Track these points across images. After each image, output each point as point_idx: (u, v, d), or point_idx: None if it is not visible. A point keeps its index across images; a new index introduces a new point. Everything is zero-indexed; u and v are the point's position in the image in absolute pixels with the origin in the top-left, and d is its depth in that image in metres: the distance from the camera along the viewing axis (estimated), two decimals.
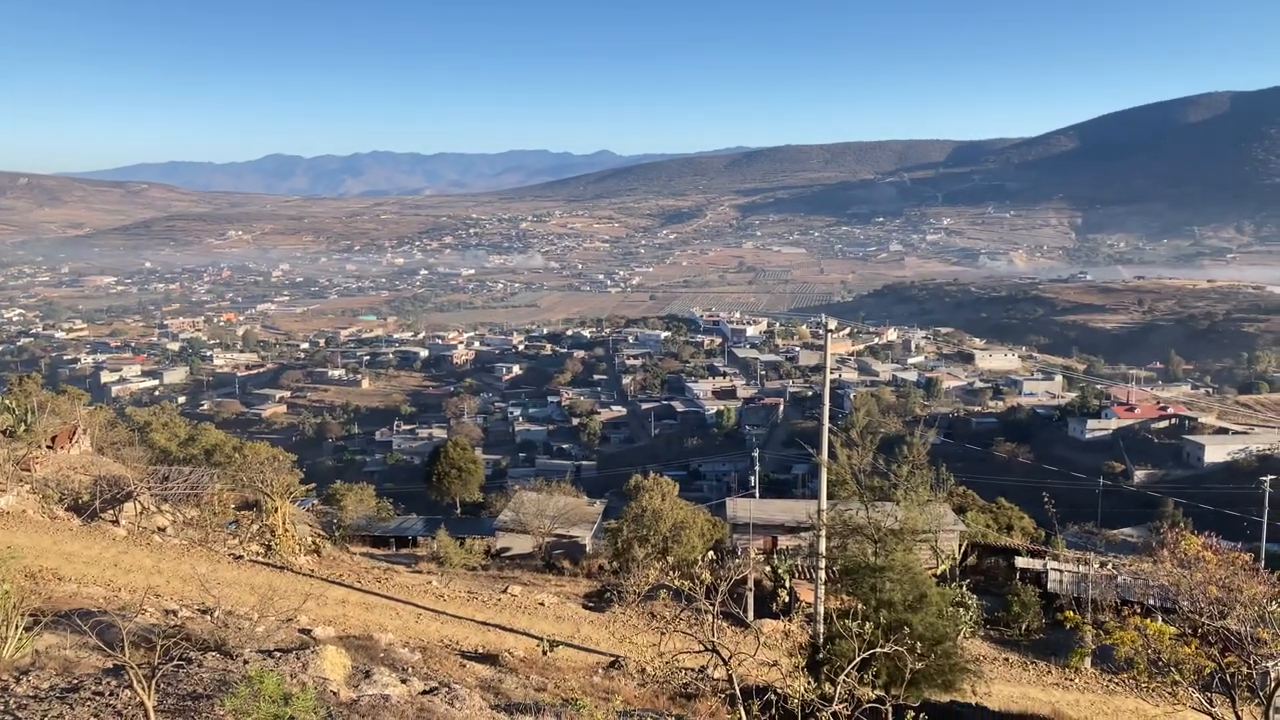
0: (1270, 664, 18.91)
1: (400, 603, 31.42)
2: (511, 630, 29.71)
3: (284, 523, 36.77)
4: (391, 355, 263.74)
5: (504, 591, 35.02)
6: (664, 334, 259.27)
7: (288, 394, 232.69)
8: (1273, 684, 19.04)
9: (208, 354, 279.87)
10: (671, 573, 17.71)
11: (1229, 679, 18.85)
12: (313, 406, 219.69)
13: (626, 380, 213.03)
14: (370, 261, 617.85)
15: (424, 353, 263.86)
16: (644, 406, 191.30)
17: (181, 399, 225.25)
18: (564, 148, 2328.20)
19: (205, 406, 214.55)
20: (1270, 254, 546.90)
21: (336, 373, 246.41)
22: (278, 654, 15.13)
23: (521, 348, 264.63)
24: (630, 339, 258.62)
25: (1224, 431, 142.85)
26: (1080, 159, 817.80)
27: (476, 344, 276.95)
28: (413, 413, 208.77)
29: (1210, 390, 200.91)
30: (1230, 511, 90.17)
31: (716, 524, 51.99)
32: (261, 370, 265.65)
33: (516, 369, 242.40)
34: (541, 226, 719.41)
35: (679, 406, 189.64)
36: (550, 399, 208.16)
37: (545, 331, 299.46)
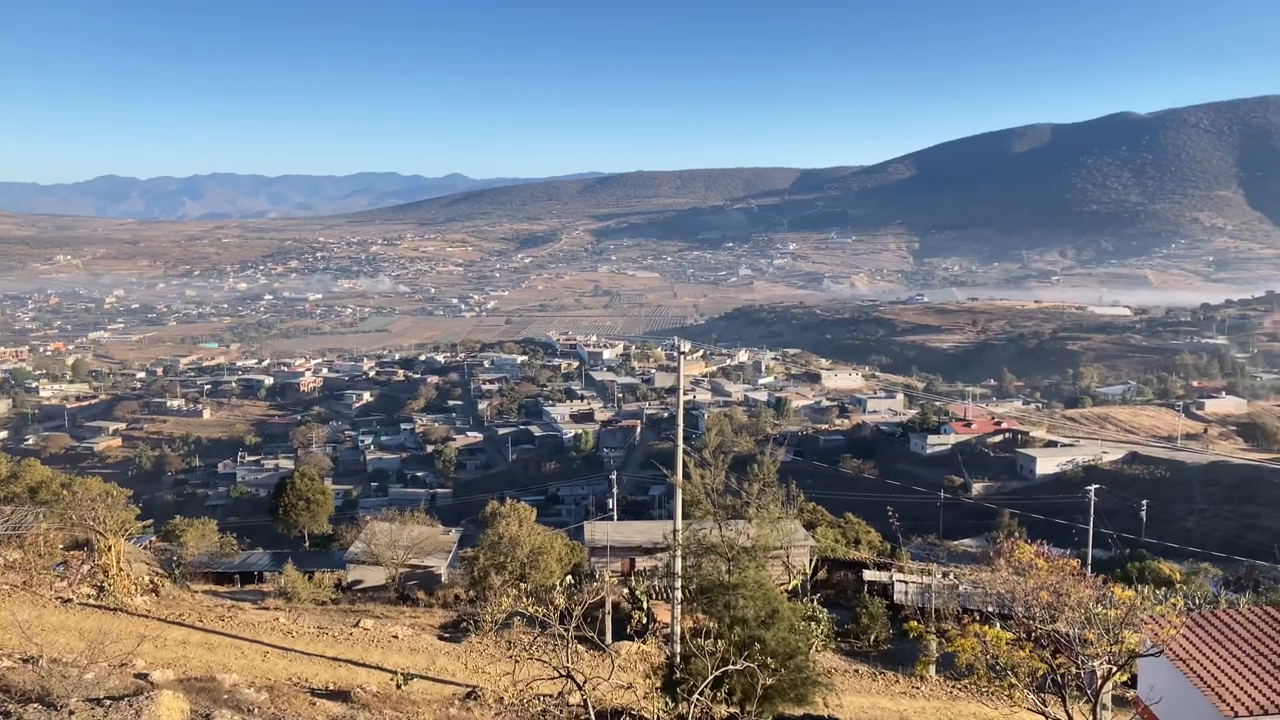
0: (1097, 663, 20.05)
1: (246, 641, 30.13)
2: (364, 665, 28.85)
3: (118, 562, 34.80)
4: (235, 384, 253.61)
5: (356, 625, 34.00)
6: (520, 358, 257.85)
7: (123, 426, 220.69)
8: (1099, 682, 20.19)
9: (33, 385, 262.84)
10: (526, 599, 17.55)
11: (1060, 679, 19.90)
12: (150, 439, 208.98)
13: (483, 405, 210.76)
14: (211, 287, 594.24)
15: (269, 380, 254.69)
16: (501, 431, 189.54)
17: (2, 434, 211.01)
18: (415, 170, 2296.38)
19: (30, 441, 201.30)
20: (1090, 276, 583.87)
21: (176, 403, 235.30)
22: (108, 702, 14.29)
23: (373, 374, 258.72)
24: (486, 363, 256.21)
25: (1053, 444, 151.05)
26: (917, 187, 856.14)
27: (325, 371, 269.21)
28: (258, 443, 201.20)
29: (1040, 405, 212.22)
30: (1059, 520, 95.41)
31: (575, 548, 51.80)
32: (94, 401, 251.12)
33: (367, 396, 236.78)
34: (392, 250, 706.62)
35: (537, 431, 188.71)
36: (403, 426, 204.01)
37: (397, 357, 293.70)
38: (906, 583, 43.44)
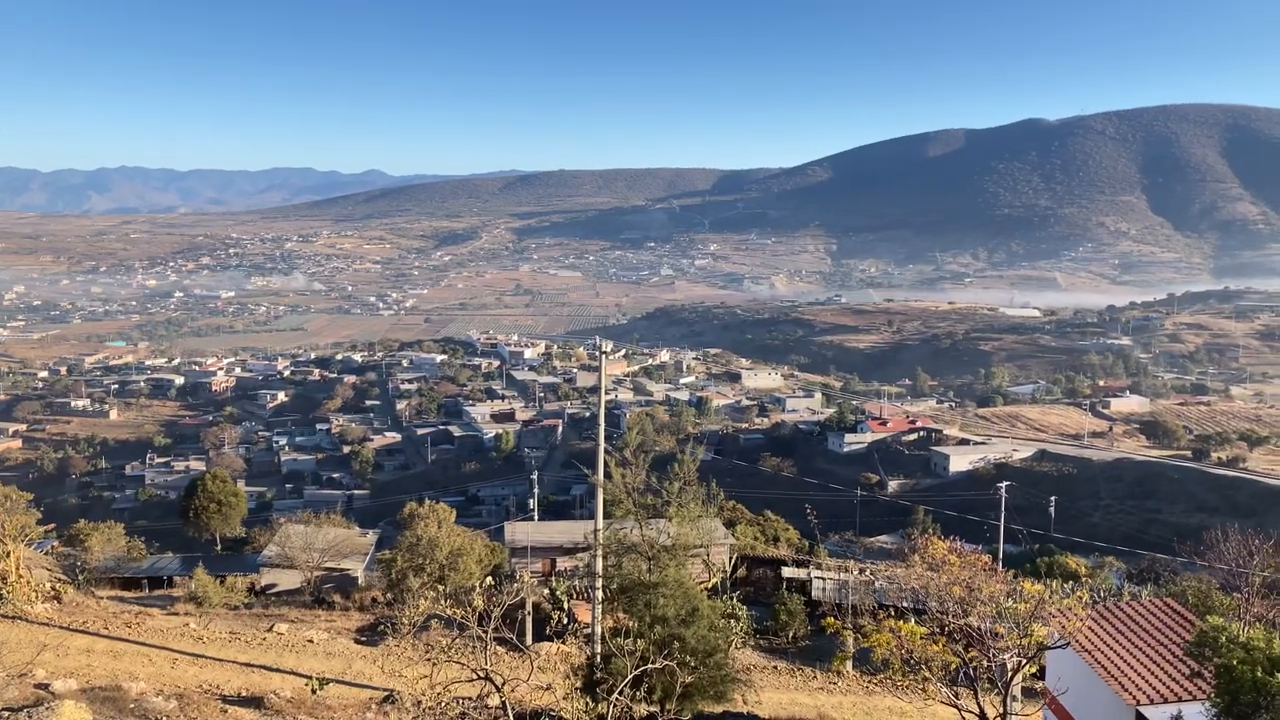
0: (1007, 656, 20.54)
1: (154, 648, 29.26)
2: (278, 670, 28.24)
3: (17, 568, 33.50)
4: (143, 383, 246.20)
5: (270, 630, 33.28)
6: (440, 357, 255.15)
7: (23, 427, 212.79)
8: (1010, 674, 20.69)
9: None
10: (444, 601, 17.34)
11: (972, 672, 20.34)
12: (53, 440, 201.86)
13: (401, 405, 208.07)
14: (118, 284, 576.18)
15: (180, 380, 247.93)
16: (420, 432, 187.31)
17: None
18: (332, 166, 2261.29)
19: None
20: (1002, 278, 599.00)
21: (81, 403, 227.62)
22: (6, 714, 13.74)
23: (287, 373, 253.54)
24: (405, 363, 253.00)
25: (966, 442, 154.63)
26: (835, 189, 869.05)
27: (238, 370, 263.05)
28: (168, 444, 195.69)
29: (953, 404, 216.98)
30: (972, 516, 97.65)
31: (495, 549, 51.42)
32: None
33: (282, 396, 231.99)
34: (308, 247, 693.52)
35: (456, 431, 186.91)
36: (319, 426, 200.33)
37: (313, 356, 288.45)
38: (824, 579, 44.02)
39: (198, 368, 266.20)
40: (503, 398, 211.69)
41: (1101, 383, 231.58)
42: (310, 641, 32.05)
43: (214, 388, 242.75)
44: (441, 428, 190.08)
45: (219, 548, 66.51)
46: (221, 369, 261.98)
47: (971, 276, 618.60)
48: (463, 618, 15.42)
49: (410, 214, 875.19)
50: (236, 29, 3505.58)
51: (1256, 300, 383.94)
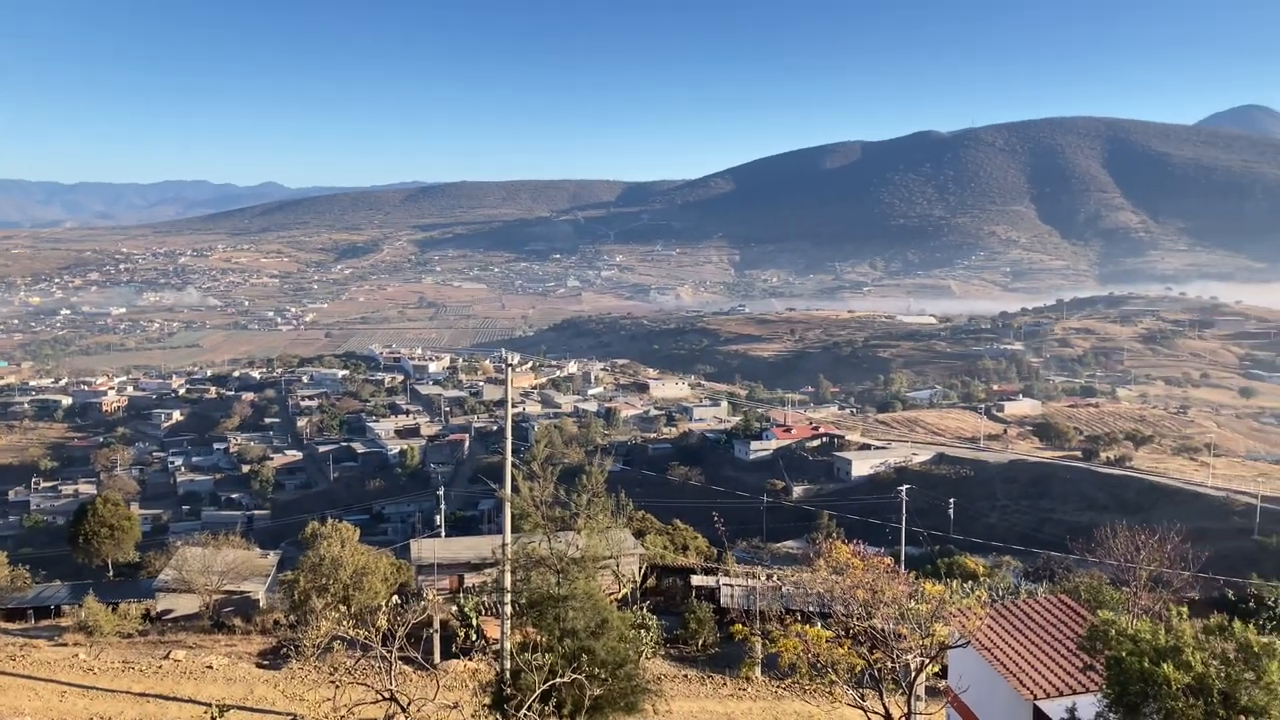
0: (910, 656, 20.98)
1: (40, 681, 28.01)
2: (175, 699, 27.31)
3: None
4: (27, 404, 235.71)
5: (166, 657, 32.16)
6: (342, 372, 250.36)
7: None
8: (913, 674, 21.13)
9: None
10: (348, 622, 16.98)
11: (877, 674, 20.72)
12: None
13: (302, 422, 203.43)
14: (0, 301, 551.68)
15: (67, 400, 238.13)
16: (322, 449, 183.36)
17: None
18: (227, 178, 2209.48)
19: None
20: (899, 286, 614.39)
21: None
22: None
23: (183, 392, 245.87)
24: (305, 379, 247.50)
25: (867, 447, 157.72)
26: (737, 201, 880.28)
27: (130, 389, 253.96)
28: (55, 467, 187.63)
29: (854, 410, 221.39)
30: (874, 520, 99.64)
31: (401, 567, 50.62)
32: None
33: (177, 415, 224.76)
34: (203, 262, 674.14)
35: (360, 447, 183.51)
36: (217, 446, 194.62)
37: (209, 373, 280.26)
38: (733, 586, 44.38)
39: (87, 387, 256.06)
40: (407, 413, 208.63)
41: (996, 387, 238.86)
42: (209, 667, 31.07)
43: (105, 408, 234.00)
44: (344, 445, 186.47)
45: (111, 574, 64.12)
46: (112, 388, 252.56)
47: (870, 285, 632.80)
48: (366, 638, 15.12)
49: (309, 227, 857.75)
50: (123, 36, 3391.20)
51: (1139, 305, 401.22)
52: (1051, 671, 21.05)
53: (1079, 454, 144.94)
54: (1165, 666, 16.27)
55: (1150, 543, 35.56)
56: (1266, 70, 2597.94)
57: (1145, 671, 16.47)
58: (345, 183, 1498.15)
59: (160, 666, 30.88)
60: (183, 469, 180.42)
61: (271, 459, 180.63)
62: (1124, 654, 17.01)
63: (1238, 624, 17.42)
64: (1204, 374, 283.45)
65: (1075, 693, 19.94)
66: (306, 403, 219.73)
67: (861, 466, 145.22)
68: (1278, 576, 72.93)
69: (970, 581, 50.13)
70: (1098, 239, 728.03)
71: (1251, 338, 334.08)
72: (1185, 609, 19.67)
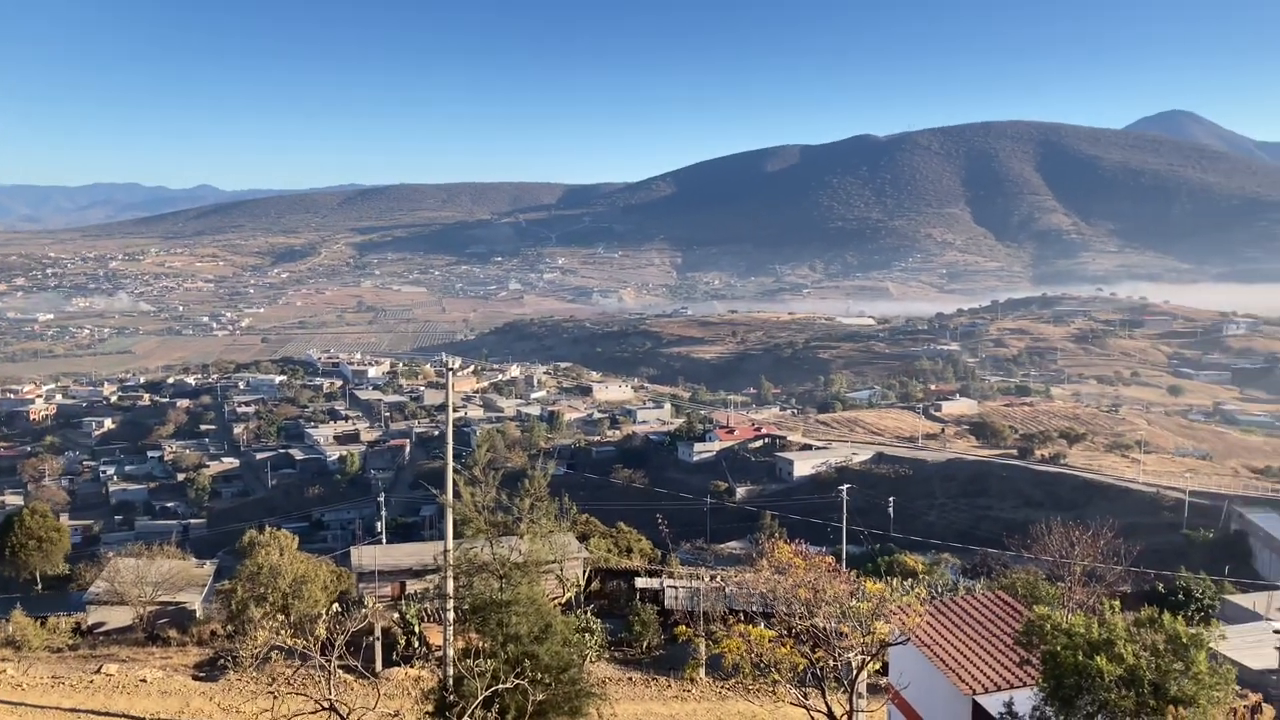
0: (852, 654, 21.20)
1: None
2: (108, 714, 26.66)
3: None
4: None
5: (98, 671, 31.38)
6: (279, 378, 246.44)
7: None
8: (855, 672, 21.35)
9: None
10: (286, 631, 16.71)
11: (820, 672, 20.91)
12: None
13: (239, 429, 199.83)
14: None
15: None
16: (259, 456, 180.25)
17: None
18: (159, 181, 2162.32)
19: None
20: (838, 288, 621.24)
21: None
22: None
23: (115, 399, 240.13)
24: (241, 385, 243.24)
25: (808, 447, 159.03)
26: (678, 204, 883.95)
27: (59, 397, 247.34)
28: None
29: (795, 411, 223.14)
30: (816, 519, 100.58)
31: (342, 575, 49.99)
32: None
33: (109, 423, 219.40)
34: (135, 266, 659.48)
35: (298, 454, 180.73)
36: (151, 454, 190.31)
37: (143, 380, 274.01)
38: (676, 588, 44.47)
39: (12, 395, 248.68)
40: (346, 418, 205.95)
41: (933, 387, 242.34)
42: (143, 681, 30.38)
43: (31, 416, 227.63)
44: (282, 451, 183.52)
45: (40, 587, 62.52)
46: (40, 396, 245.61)
47: (810, 287, 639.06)
48: (305, 647, 14.90)
49: (245, 230, 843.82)
50: (47, 35, 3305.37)
51: (1072, 306, 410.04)
52: (989, 666, 21.41)
53: (1015, 452, 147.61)
54: (1099, 659, 16.64)
55: (1084, 539, 36.41)
56: (1191, 76, 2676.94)
57: (1080, 665, 16.83)
58: (282, 185, 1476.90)
59: (92, 681, 30.13)
60: (115, 478, 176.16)
61: (208, 467, 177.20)
62: (1059, 648, 17.36)
63: (1167, 616, 17.88)
64: (1134, 372, 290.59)
65: (1013, 687, 20.30)
66: (243, 409, 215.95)
67: (803, 467, 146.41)
68: (1206, 570, 75.01)
69: (910, 579, 50.80)
70: (1031, 241, 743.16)
71: (1179, 337, 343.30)
72: (1118, 603, 20.14)
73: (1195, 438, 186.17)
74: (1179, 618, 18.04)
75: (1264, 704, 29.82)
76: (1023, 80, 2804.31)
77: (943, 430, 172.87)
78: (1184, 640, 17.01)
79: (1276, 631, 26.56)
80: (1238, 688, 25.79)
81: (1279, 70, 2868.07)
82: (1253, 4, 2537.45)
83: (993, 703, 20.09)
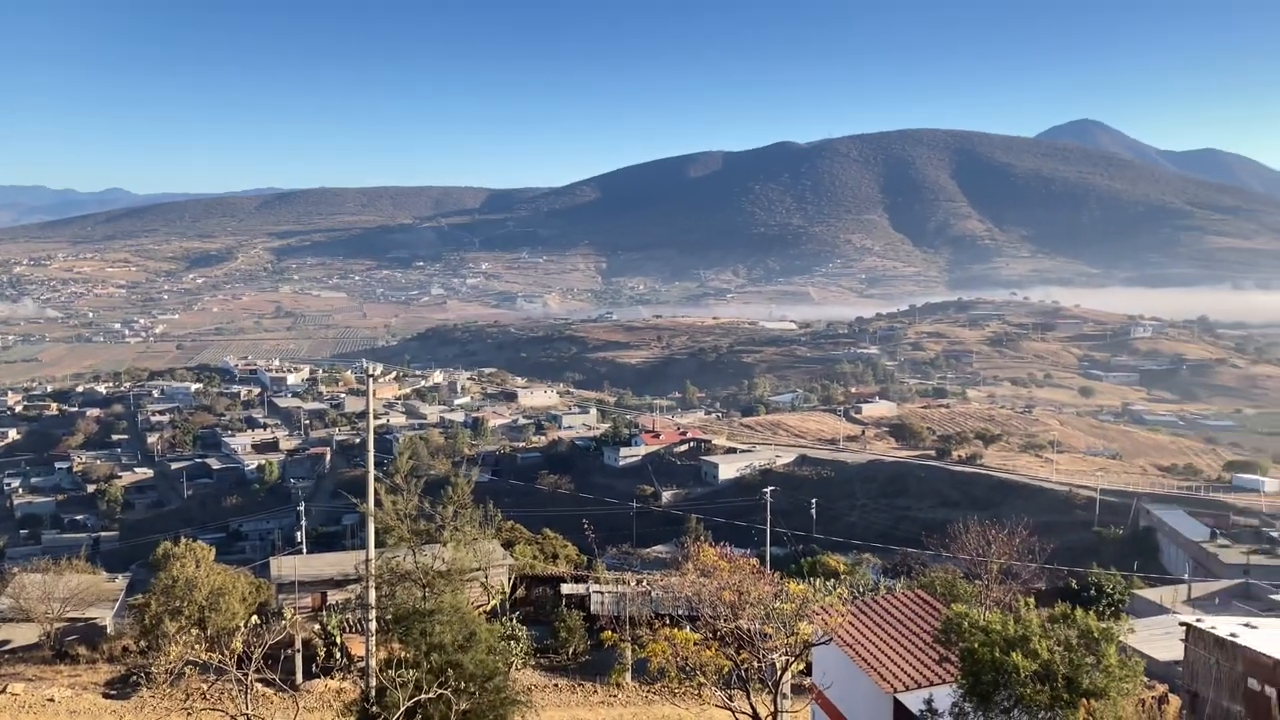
0: (776, 655, 21.41)
1: None
2: None
3: None
4: None
5: (2, 691, 30.23)
6: (195, 386, 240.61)
7: None
8: (779, 673, 21.56)
9: None
10: (201, 645, 16.29)
11: (744, 674, 21.07)
12: None
13: (153, 439, 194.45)
14: None
15: None
16: (174, 466, 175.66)
17: None
18: (66, 184, 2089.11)
19: None
20: (761, 293, 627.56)
21: None
22: None
23: (20, 409, 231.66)
24: (155, 393, 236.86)
25: (733, 451, 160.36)
26: (602, 209, 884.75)
27: None
28: None
29: (720, 414, 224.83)
30: (740, 522, 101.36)
31: (261, 586, 48.92)
32: None
33: (13, 434, 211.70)
34: (41, 271, 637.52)
35: (215, 463, 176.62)
36: (59, 465, 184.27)
37: (50, 389, 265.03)
38: (603, 593, 44.44)
39: None
40: (265, 426, 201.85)
41: (854, 389, 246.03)
42: (51, 700, 29.36)
43: None
44: (198, 460, 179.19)
45: None
46: None
47: (733, 292, 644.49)
48: (221, 662, 14.54)
49: (158, 234, 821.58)
50: None
51: (986, 310, 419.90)
52: (910, 664, 21.78)
53: (933, 453, 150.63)
54: (1015, 655, 17.05)
55: (1000, 537, 37.25)
56: (1099, 86, 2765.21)
57: (996, 661, 17.22)
58: (197, 188, 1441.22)
59: None
60: (20, 491, 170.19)
61: (120, 477, 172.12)
62: (976, 645, 17.74)
63: (1079, 612, 18.41)
64: (1047, 374, 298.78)
65: (933, 684, 20.66)
66: (157, 418, 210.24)
67: (728, 470, 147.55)
68: (1116, 565, 77.47)
69: (832, 580, 51.51)
70: (947, 246, 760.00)
71: (1089, 339, 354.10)
72: (1032, 599, 20.69)
73: (1105, 437, 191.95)
74: (1090, 613, 18.58)
75: (1170, 694, 30.85)
76: (939, 89, 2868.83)
77: (863, 432, 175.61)
78: (1095, 635, 17.52)
79: (1182, 624, 27.55)
80: (1146, 679, 26.65)
81: (1180, 81, 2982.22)
82: (1155, 18, 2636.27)
83: (913, 700, 20.41)
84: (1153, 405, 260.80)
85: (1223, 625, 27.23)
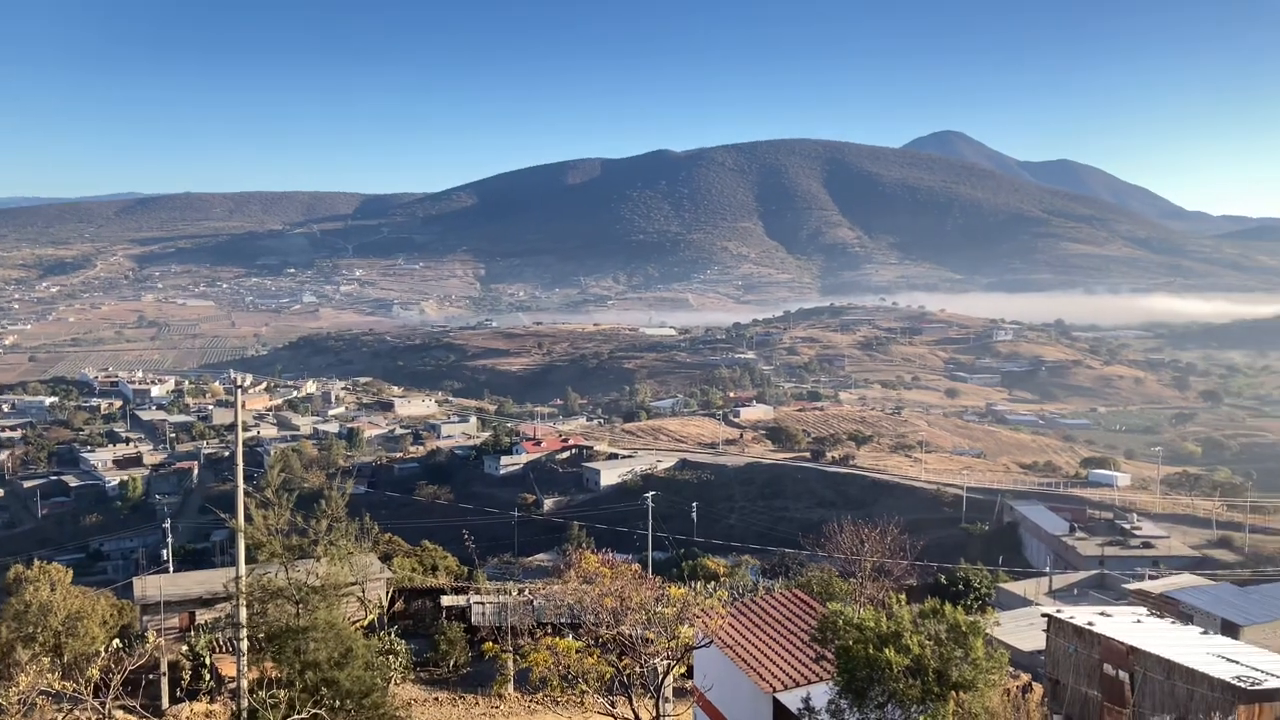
0: (657, 660, 21.54)
1: None
2: None
3: None
4: None
5: None
6: (50, 399, 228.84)
7: None
8: (661, 677, 21.69)
9: None
10: (54, 673, 15.47)
11: (626, 679, 21.13)
12: None
13: (3, 456, 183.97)
14: None
15: None
16: (27, 484, 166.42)
17: None
18: None
19: None
20: (641, 300, 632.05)
21: None
22: None
23: None
24: (5, 407, 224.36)
25: (615, 457, 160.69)
26: (480, 214, 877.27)
27: None
28: None
29: (602, 420, 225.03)
30: (623, 528, 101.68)
31: (124, 608, 46.78)
32: None
33: None
34: None
35: (73, 481, 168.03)
36: None
37: None
38: (484, 604, 44.00)
39: None
40: (127, 441, 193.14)
41: (732, 394, 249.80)
42: None
43: None
44: (54, 478, 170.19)
45: None
46: None
47: (613, 299, 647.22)
48: (75, 690, 13.84)
49: (7, 241, 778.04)
50: None
51: (858, 315, 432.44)
52: (788, 664, 22.18)
53: (808, 455, 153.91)
54: (888, 651, 17.55)
55: (873, 535, 38.32)
56: (959, 98, 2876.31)
57: (870, 657, 17.70)
58: (51, 193, 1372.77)
59: None
60: None
61: None
62: (851, 642, 18.20)
63: (948, 607, 19.08)
64: (915, 377, 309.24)
65: (810, 682, 21.08)
66: (8, 434, 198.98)
67: (610, 476, 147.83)
68: (982, 560, 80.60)
69: (712, 582, 52.07)
70: (819, 254, 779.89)
71: (954, 343, 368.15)
72: (904, 595, 21.31)
73: (970, 437, 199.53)
74: (959, 607, 19.28)
75: (1033, 683, 32.22)
76: (809, 100, 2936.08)
77: (741, 435, 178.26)
78: (963, 629, 18.19)
79: (1044, 615, 28.90)
80: (1011, 670, 27.77)
81: (1036, 94, 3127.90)
82: (1011, 32, 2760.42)
83: (792, 699, 20.79)
84: (1014, 405, 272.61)
85: (1080, 615, 28.63)
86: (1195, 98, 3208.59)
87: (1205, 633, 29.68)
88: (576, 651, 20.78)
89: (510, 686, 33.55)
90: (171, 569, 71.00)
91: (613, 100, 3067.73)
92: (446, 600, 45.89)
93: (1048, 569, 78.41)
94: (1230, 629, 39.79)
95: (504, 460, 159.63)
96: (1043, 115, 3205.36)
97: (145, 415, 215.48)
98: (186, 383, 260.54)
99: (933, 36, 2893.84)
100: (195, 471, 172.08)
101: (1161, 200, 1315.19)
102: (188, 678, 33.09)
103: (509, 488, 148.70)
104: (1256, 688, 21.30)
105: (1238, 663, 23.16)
